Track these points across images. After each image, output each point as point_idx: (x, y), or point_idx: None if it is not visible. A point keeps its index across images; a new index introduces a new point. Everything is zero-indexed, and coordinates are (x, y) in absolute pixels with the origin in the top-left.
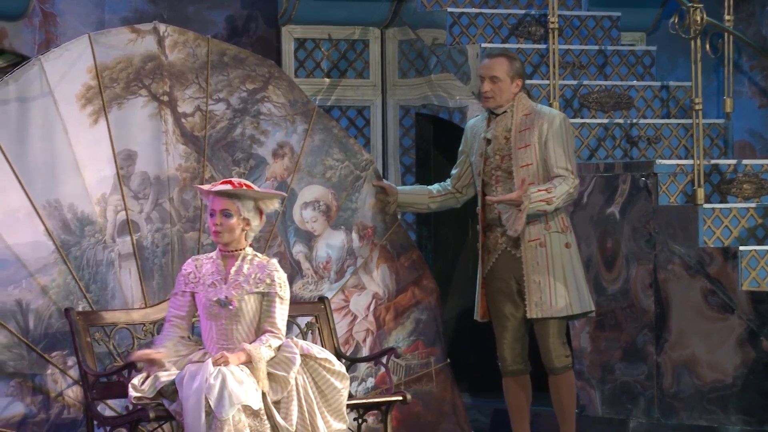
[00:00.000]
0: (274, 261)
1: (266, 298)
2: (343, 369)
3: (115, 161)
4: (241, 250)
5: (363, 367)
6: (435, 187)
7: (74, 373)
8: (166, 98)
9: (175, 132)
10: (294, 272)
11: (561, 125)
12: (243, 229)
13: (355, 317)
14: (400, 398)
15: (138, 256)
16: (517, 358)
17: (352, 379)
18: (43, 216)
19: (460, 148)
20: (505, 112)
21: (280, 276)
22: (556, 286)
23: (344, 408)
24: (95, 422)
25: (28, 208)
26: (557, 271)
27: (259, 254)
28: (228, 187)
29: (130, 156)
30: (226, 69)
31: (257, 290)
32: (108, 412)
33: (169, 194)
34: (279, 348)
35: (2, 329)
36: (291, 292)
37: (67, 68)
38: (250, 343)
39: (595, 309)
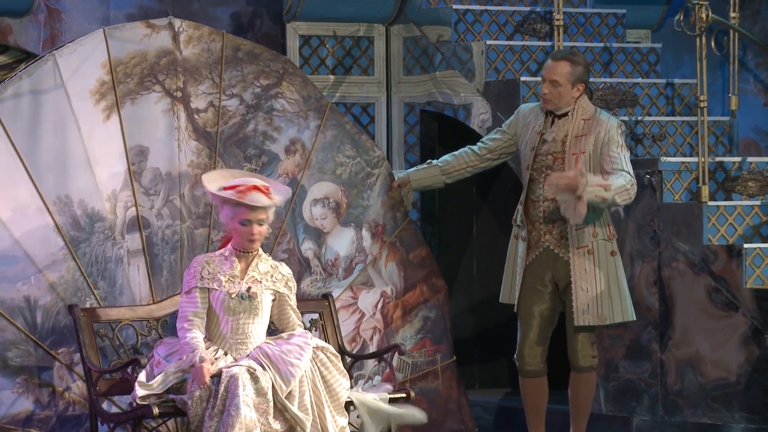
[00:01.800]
0: (284, 264)
1: (281, 299)
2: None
3: (127, 157)
4: (256, 250)
5: (370, 364)
6: (446, 160)
7: (80, 369)
8: (179, 94)
9: (188, 128)
10: (303, 269)
11: (617, 131)
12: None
13: (363, 315)
14: (404, 395)
15: (147, 253)
16: (536, 360)
17: (358, 377)
18: (53, 212)
19: (504, 128)
20: (566, 114)
21: (292, 277)
22: (602, 295)
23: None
24: (99, 419)
25: (38, 203)
26: (603, 279)
27: (267, 255)
28: (262, 197)
29: (142, 152)
30: (240, 64)
31: (274, 288)
32: (113, 409)
33: (180, 191)
34: (285, 337)
35: (10, 325)
36: (299, 288)
37: (81, 63)
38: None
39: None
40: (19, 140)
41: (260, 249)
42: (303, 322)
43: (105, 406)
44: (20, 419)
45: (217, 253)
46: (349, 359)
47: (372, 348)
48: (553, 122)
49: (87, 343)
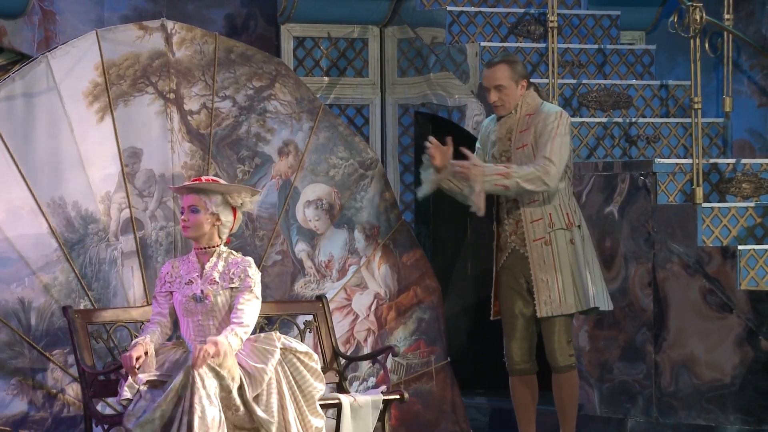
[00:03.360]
0: (250, 259)
1: (236, 292)
2: (320, 369)
3: (120, 159)
4: (215, 246)
5: (364, 366)
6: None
7: (75, 371)
8: (172, 96)
9: (181, 130)
10: (296, 271)
11: (555, 120)
12: (213, 225)
13: (356, 316)
14: (398, 397)
15: (141, 254)
16: (524, 357)
17: (353, 379)
18: (47, 213)
19: (478, 146)
20: (510, 113)
21: (254, 273)
22: (564, 284)
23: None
24: (93, 420)
25: (32, 205)
26: (564, 269)
27: (234, 252)
28: (189, 182)
29: (136, 153)
30: (233, 66)
31: (231, 285)
32: (107, 410)
33: (174, 192)
34: (252, 339)
35: (4, 327)
36: (293, 290)
37: (74, 65)
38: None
39: (611, 306)
40: (12, 142)
41: (223, 247)
42: (249, 322)
43: (99, 407)
44: (15, 421)
45: (184, 256)
46: (343, 361)
47: (366, 349)
48: (495, 125)
49: (81, 345)
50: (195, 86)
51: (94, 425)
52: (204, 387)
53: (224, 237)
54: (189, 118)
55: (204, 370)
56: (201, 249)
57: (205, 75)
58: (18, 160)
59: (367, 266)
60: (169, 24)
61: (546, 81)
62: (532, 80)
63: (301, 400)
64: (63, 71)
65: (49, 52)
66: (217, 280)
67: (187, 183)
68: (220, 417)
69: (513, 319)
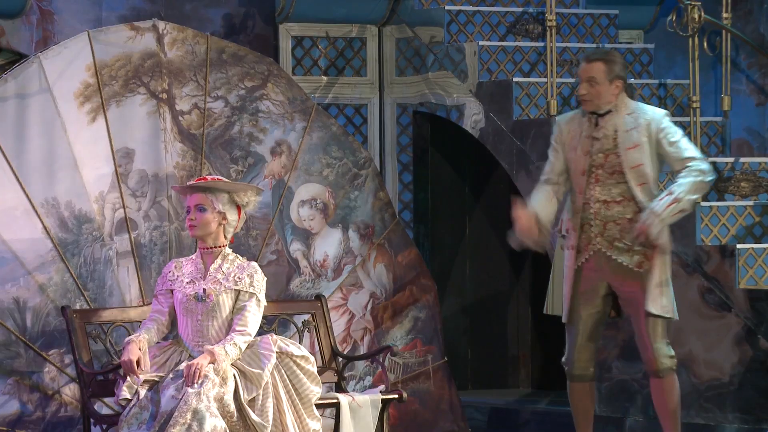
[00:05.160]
0: (255, 264)
1: (241, 297)
2: (316, 372)
3: (114, 159)
4: (220, 247)
5: (361, 365)
6: (545, 192)
7: (71, 371)
8: (164, 96)
9: (174, 130)
10: (291, 270)
11: (666, 120)
12: (220, 224)
13: (353, 316)
14: (397, 396)
15: (136, 254)
16: (584, 363)
17: (350, 378)
18: (41, 214)
19: (554, 144)
20: (609, 111)
21: (260, 278)
22: (554, 287)
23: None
24: (92, 420)
25: (26, 205)
26: (555, 273)
27: (240, 257)
28: (193, 181)
29: (128, 154)
30: (224, 66)
31: (235, 288)
32: (105, 410)
33: (168, 192)
34: (249, 344)
35: (0, 327)
36: (289, 290)
37: (66, 66)
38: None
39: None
40: (5, 143)
41: (228, 249)
42: (252, 329)
43: (96, 407)
44: (11, 421)
45: (189, 257)
46: (341, 360)
47: (363, 349)
48: (597, 123)
49: (80, 345)
50: (186, 86)
51: (92, 425)
52: (200, 401)
53: (229, 236)
54: (180, 118)
55: (197, 384)
56: (206, 249)
57: (197, 75)
58: (11, 161)
59: (362, 266)
60: (161, 24)
61: (544, 80)
62: (529, 79)
63: (298, 404)
64: (56, 72)
65: (41, 52)
66: (221, 281)
67: (192, 182)
68: (222, 426)
69: (577, 322)
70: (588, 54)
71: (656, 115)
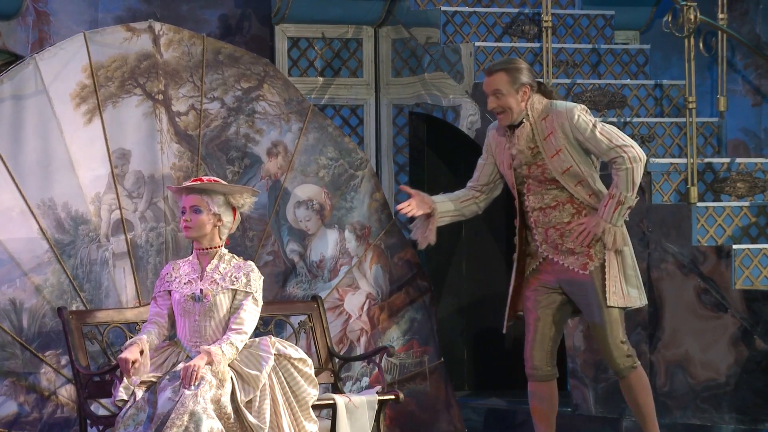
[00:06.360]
0: (252, 263)
1: (238, 296)
2: (314, 374)
3: (110, 160)
4: (216, 248)
5: (357, 366)
6: (459, 194)
7: (68, 372)
8: (160, 97)
9: (170, 131)
10: (288, 271)
11: (578, 116)
12: (215, 225)
13: (349, 316)
14: (393, 397)
15: (132, 255)
16: (542, 362)
17: (346, 378)
18: (38, 215)
19: (483, 154)
20: (521, 123)
21: (256, 278)
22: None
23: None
24: (88, 421)
25: (22, 206)
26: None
27: (236, 257)
28: (187, 182)
29: (125, 155)
30: (221, 67)
31: (232, 287)
32: (102, 411)
33: (164, 193)
34: (247, 345)
35: None
36: (285, 290)
37: (62, 67)
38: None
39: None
40: (1, 144)
41: (224, 249)
42: (248, 328)
43: (93, 408)
44: (7, 422)
45: (186, 258)
46: (338, 361)
47: (359, 349)
48: (512, 137)
49: (76, 346)
50: (183, 87)
51: (88, 426)
52: (197, 403)
53: (224, 238)
54: (177, 119)
55: (194, 386)
56: (202, 250)
57: (193, 76)
58: (8, 162)
59: (358, 266)
60: (157, 26)
61: (540, 81)
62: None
63: (295, 406)
64: (52, 73)
65: (37, 54)
66: (218, 281)
67: (188, 183)
68: (219, 428)
69: (533, 321)
70: (489, 67)
71: (567, 113)
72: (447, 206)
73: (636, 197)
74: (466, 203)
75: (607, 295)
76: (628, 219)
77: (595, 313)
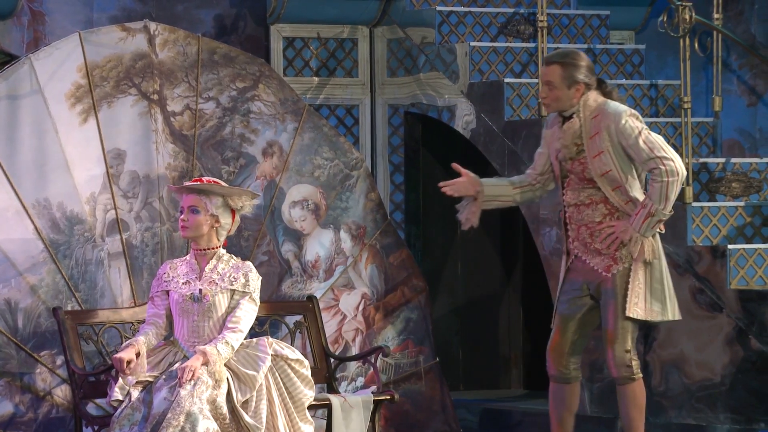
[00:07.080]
0: (250, 264)
1: (236, 296)
2: (310, 375)
3: (105, 160)
4: (213, 248)
5: (353, 366)
6: (515, 179)
7: (63, 372)
8: (156, 97)
9: (165, 131)
10: (283, 271)
11: (624, 120)
12: (212, 226)
13: (344, 316)
14: (388, 397)
15: (127, 255)
16: (560, 364)
17: (341, 379)
18: (33, 215)
19: (541, 144)
20: (571, 117)
21: (254, 278)
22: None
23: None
24: (83, 421)
25: (17, 206)
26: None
27: (235, 257)
28: (187, 182)
29: (120, 155)
30: (216, 67)
31: (231, 288)
32: (97, 411)
33: (159, 193)
34: (245, 345)
35: None
36: (280, 290)
37: (57, 67)
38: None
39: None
40: None
41: (222, 250)
42: (244, 328)
43: (88, 408)
44: (3, 422)
45: (182, 258)
46: (333, 361)
47: (354, 349)
48: (562, 127)
49: (71, 346)
50: (178, 87)
51: (84, 426)
52: (192, 403)
53: (222, 239)
54: (172, 119)
55: (190, 384)
56: (200, 251)
57: (188, 76)
58: (2, 162)
59: (354, 266)
60: (152, 25)
61: (536, 81)
62: (520, 80)
63: (291, 407)
64: (47, 73)
65: (32, 53)
66: (217, 281)
67: (188, 183)
68: (215, 428)
69: (558, 322)
70: (547, 56)
71: (615, 115)
72: (496, 190)
73: (670, 212)
74: (523, 189)
75: (627, 305)
76: (663, 232)
77: (610, 318)
